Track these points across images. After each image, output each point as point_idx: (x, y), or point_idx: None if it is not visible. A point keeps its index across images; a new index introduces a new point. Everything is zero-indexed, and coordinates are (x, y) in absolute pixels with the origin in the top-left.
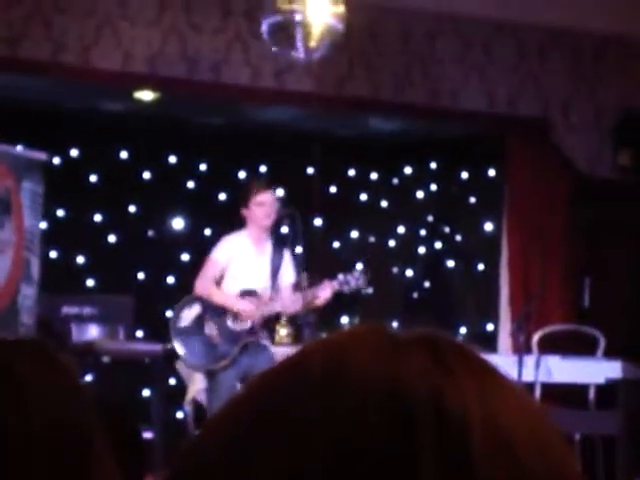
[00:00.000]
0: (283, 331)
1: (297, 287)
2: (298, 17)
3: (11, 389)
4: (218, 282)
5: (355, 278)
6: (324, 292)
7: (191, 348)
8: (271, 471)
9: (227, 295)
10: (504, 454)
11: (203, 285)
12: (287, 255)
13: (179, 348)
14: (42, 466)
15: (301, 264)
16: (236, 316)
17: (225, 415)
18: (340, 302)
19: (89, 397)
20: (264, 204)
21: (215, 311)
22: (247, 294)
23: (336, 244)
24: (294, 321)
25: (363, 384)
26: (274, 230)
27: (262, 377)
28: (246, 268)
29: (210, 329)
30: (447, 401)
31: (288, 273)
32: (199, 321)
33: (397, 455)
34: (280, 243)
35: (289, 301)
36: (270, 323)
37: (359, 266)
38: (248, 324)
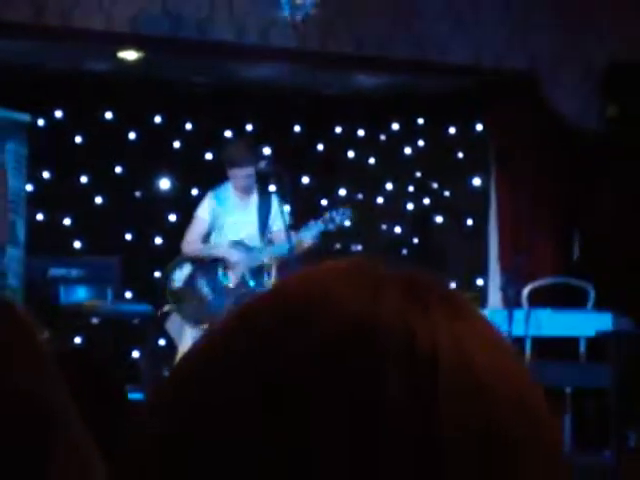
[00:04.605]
0: None
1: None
2: None
3: None
4: (206, 238)
5: (340, 214)
6: (309, 232)
7: (186, 308)
8: (241, 398)
9: (212, 246)
10: (473, 394)
11: (188, 244)
12: (275, 201)
13: (174, 310)
14: None
15: (288, 222)
16: (226, 271)
17: (200, 344)
18: (328, 257)
19: (47, 356)
20: (236, 177)
21: (205, 268)
22: (235, 245)
23: (324, 202)
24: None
25: (339, 318)
26: (261, 187)
27: (242, 305)
28: (232, 220)
29: (202, 286)
30: (419, 339)
31: (279, 218)
32: (191, 280)
33: (365, 387)
34: (267, 191)
35: (281, 244)
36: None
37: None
38: (239, 277)
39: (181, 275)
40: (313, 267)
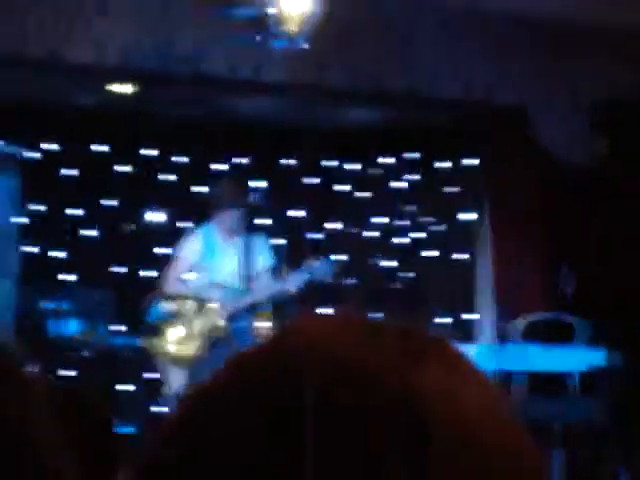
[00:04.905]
0: (265, 325)
1: (276, 272)
2: (275, 7)
3: None
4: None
5: (323, 266)
6: (291, 284)
7: (162, 345)
8: (247, 450)
9: (193, 289)
10: (466, 453)
11: (169, 285)
12: (260, 242)
13: (149, 346)
14: None
15: (281, 256)
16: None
17: (200, 391)
18: (319, 293)
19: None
20: (221, 219)
21: (183, 308)
22: (214, 288)
23: (316, 236)
24: (278, 311)
25: (336, 371)
26: (248, 226)
27: (239, 358)
28: (215, 261)
29: (179, 325)
30: (414, 394)
31: (264, 257)
32: (169, 317)
33: (366, 441)
34: (252, 230)
35: (263, 286)
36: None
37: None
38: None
39: (158, 312)
40: (310, 318)
